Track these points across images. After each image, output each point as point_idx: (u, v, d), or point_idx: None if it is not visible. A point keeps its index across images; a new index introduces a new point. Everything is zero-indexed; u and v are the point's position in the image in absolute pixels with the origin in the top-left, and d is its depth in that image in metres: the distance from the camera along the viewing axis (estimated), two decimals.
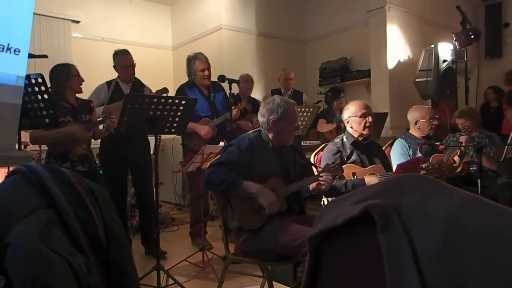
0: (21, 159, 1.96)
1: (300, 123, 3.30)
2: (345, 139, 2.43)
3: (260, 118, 2.09)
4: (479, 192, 2.42)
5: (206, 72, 3.39)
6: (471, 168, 3.13)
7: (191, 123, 3.29)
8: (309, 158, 2.61)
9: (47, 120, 2.30)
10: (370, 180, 2.20)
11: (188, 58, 3.46)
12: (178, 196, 5.21)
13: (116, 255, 0.65)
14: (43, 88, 2.21)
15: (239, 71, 4.23)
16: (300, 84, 5.28)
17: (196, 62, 3.39)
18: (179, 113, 2.42)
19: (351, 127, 2.42)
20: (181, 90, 3.44)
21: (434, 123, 2.89)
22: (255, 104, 4.04)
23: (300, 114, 3.28)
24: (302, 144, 4.44)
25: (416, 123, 2.92)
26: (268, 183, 1.94)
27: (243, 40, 5.65)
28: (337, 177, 2.13)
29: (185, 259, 2.92)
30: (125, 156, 3.14)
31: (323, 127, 4.38)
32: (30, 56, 2.21)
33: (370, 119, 2.37)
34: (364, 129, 2.37)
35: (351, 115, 2.41)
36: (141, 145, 3.26)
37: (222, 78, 3.24)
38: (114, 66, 3.23)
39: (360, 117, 2.37)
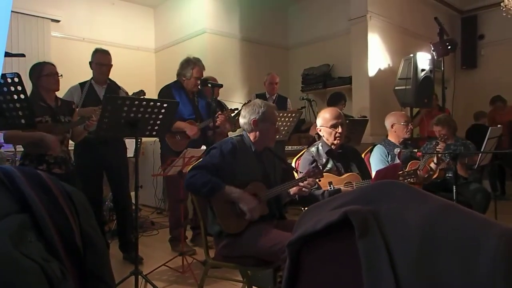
0: None
1: (282, 128, 3.32)
2: (320, 148, 2.44)
3: (241, 120, 2.10)
4: (455, 198, 2.49)
5: (199, 81, 3.38)
6: (447, 175, 3.22)
7: (179, 122, 3.25)
8: (291, 163, 2.63)
9: (23, 121, 2.23)
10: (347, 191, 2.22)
11: (187, 60, 3.40)
12: (158, 200, 5.14)
13: (92, 261, 0.63)
14: (19, 88, 2.14)
15: (223, 75, 4.22)
16: (283, 89, 5.32)
17: (195, 68, 3.34)
18: (160, 116, 2.39)
19: (323, 136, 2.44)
20: (168, 89, 3.39)
21: (409, 127, 2.98)
22: (222, 107, 4.00)
23: (283, 119, 3.30)
24: (285, 149, 4.45)
25: (392, 127, 3.00)
26: (250, 187, 1.94)
27: (227, 44, 5.65)
28: (315, 186, 2.15)
29: (164, 263, 2.87)
30: (101, 159, 3.08)
31: (314, 131, 4.38)
32: (7, 54, 2.14)
33: (340, 129, 2.36)
34: (334, 139, 2.38)
35: (322, 124, 2.42)
36: (117, 148, 3.20)
37: (204, 82, 3.23)
38: (90, 63, 3.16)
39: (330, 127, 2.38)
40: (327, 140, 2.42)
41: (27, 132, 2.46)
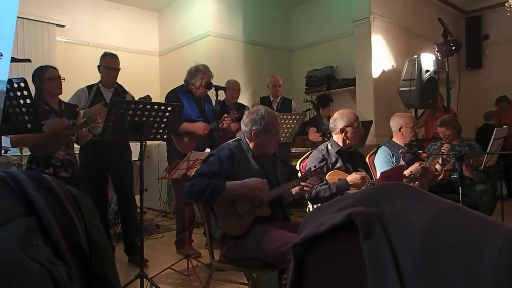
0: (1, 165, 1.92)
1: (286, 130, 3.32)
2: (330, 147, 2.45)
3: (243, 127, 2.09)
4: (460, 199, 2.47)
5: (207, 90, 3.36)
6: (452, 176, 3.19)
7: (185, 124, 3.22)
8: (295, 165, 2.63)
9: (29, 125, 2.25)
10: (353, 178, 2.22)
11: (196, 69, 3.33)
12: (163, 203, 5.15)
13: (98, 264, 0.64)
14: (25, 93, 2.17)
15: (226, 78, 4.23)
16: (287, 92, 5.32)
17: (204, 78, 3.29)
18: (165, 119, 2.40)
19: (345, 136, 2.44)
20: (175, 93, 3.39)
21: (416, 130, 2.97)
22: (242, 110, 4.03)
23: (287, 121, 3.30)
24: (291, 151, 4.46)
25: (400, 130, 2.96)
26: None
27: (231, 47, 5.67)
28: (320, 181, 2.15)
29: (169, 266, 2.88)
30: (105, 162, 3.09)
31: (314, 136, 4.38)
32: (13, 60, 2.17)
33: (362, 130, 2.48)
34: (356, 140, 2.46)
35: (348, 125, 2.43)
36: (122, 151, 3.21)
37: (209, 85, 3.23)
38: (98, 66, 3.19)
39: (356, 127, 2.43)
40: (349, 140, 2.44)
41: (31, 134, 2.47)
